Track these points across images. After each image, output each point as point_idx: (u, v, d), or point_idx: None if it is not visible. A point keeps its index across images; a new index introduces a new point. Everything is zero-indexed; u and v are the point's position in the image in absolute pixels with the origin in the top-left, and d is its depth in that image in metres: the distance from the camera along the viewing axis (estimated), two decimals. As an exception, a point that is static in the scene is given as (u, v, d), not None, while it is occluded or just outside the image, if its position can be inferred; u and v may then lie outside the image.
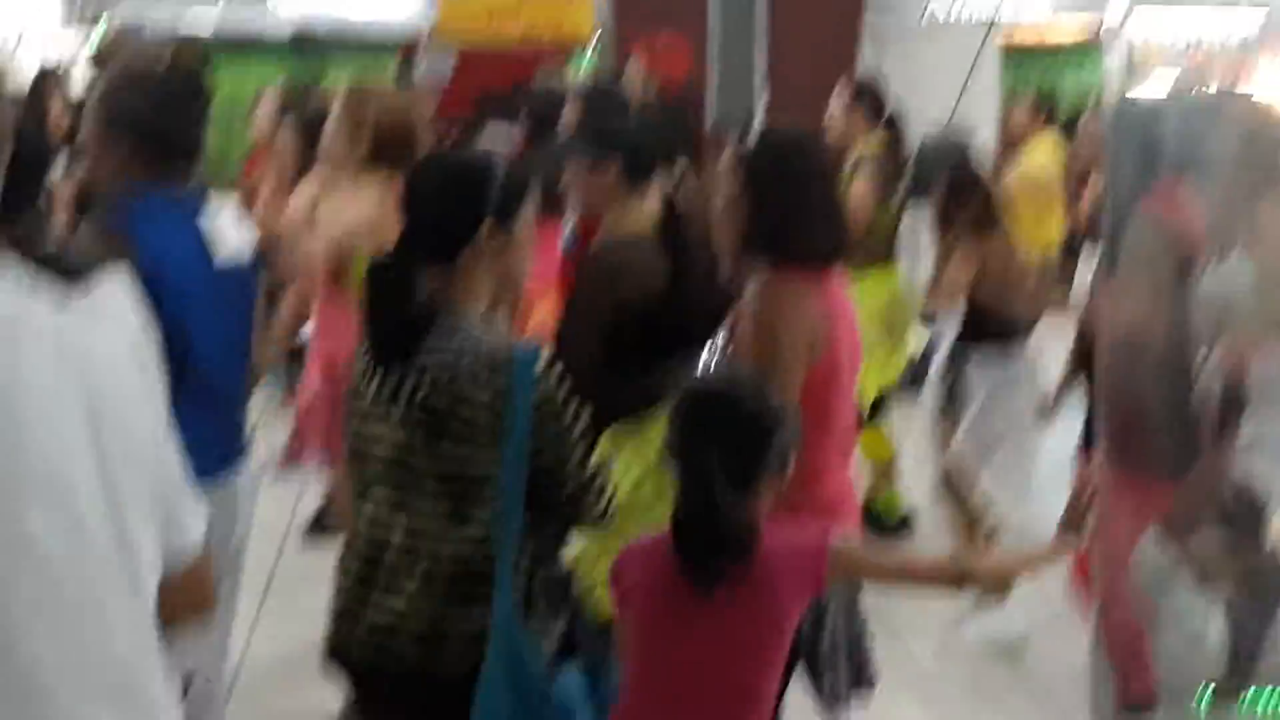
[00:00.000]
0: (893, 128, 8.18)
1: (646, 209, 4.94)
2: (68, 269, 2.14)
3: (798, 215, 4.31)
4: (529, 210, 3.76)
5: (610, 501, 3.66)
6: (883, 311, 8.00)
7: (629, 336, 4.65)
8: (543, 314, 8.20)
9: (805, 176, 4.37)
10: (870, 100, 8.14)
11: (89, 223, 4.34)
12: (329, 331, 5.91)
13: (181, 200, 4.43)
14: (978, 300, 6.95)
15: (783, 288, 4.28)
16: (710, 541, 3.38)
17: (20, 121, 2.35)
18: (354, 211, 5.72)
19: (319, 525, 8.18)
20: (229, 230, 4.54)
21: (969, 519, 7.05)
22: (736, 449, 3.40)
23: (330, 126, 5.80)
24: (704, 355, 4.45)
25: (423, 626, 3.55)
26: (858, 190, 7.82)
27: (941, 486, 7.23)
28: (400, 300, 3.60)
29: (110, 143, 4.39)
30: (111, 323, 2.18)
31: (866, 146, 8.03)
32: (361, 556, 3.66)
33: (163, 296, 4.12)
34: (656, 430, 4.55)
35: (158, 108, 4.37)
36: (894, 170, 8.04)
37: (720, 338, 4.44)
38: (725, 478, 3.36)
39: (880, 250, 8.03)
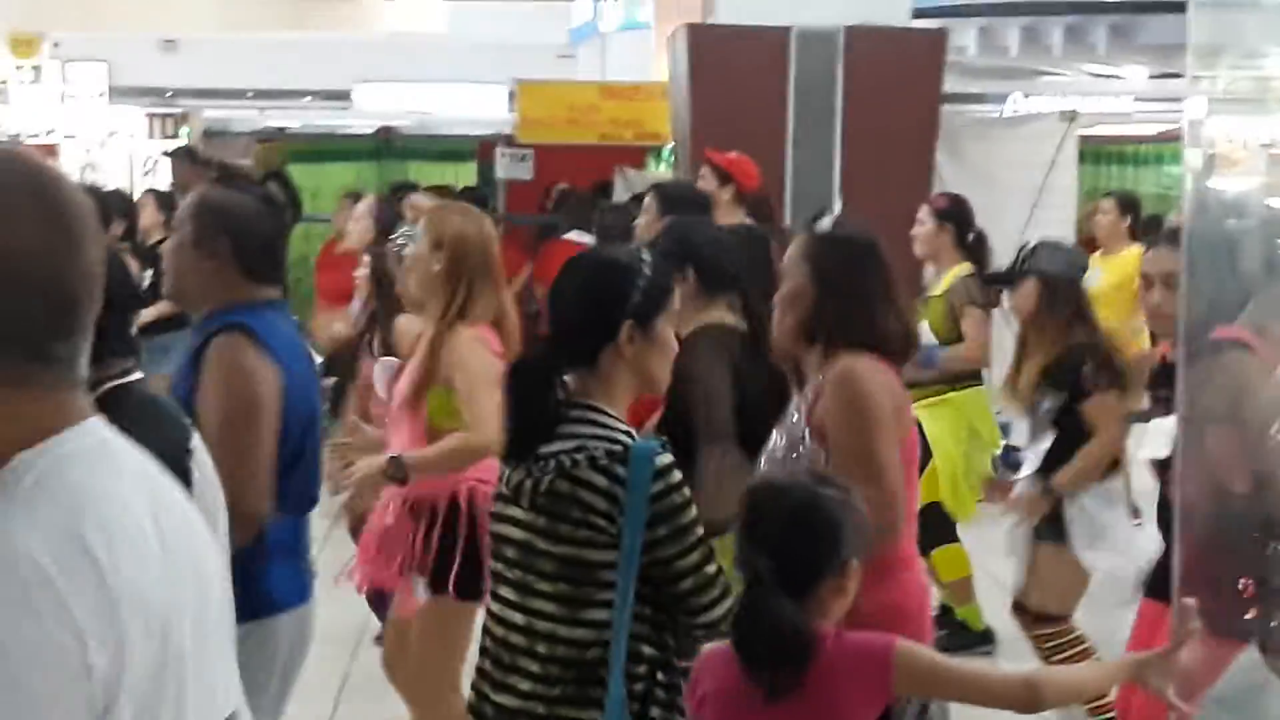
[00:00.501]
0: (979, 249, 8.10)
1: (720, 317, 5.13)
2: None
3: (865, 306, 4.31)
4: (671, 310, 3.78)
5: (729, 607, 3.62)
6: (973, 429, 7.96)
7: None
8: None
9: (876, 268, 4.37)
10: (957, 222, 8.09)
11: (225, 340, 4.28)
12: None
13: (279, 304, 4.45)
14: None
15: (866, 363, 4.27)
16: (764, 650, 3.33)
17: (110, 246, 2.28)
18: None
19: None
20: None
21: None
22: (789, 555, 3.33)
23: (418, 248, 5.68)
24: (768, 444, 4.39)
25: (542, 711, 3.59)
26: (972, 320, 7.76)
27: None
28: (538, 400, 3.65)
29: (204, 255, 4.39)
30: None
31: (954, 268, 7.98)
32: (494, 637, 3.71)
33: (293, 409, 4.24)
34: None
35: (252, 219, 4.39)
36: (984, 295, 7.96)
37: (789, 423, 4.37)
38: (779, 584, 3.30)
39: (969, 369, 7.97)
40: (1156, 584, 5.14)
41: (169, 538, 1.90)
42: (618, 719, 3.48)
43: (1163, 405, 5.74)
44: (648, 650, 3.56)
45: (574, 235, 11.77)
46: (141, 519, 1.87)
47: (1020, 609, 6.97)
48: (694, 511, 3.58)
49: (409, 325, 6.73)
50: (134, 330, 3.92)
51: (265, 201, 4.49)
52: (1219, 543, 4.63)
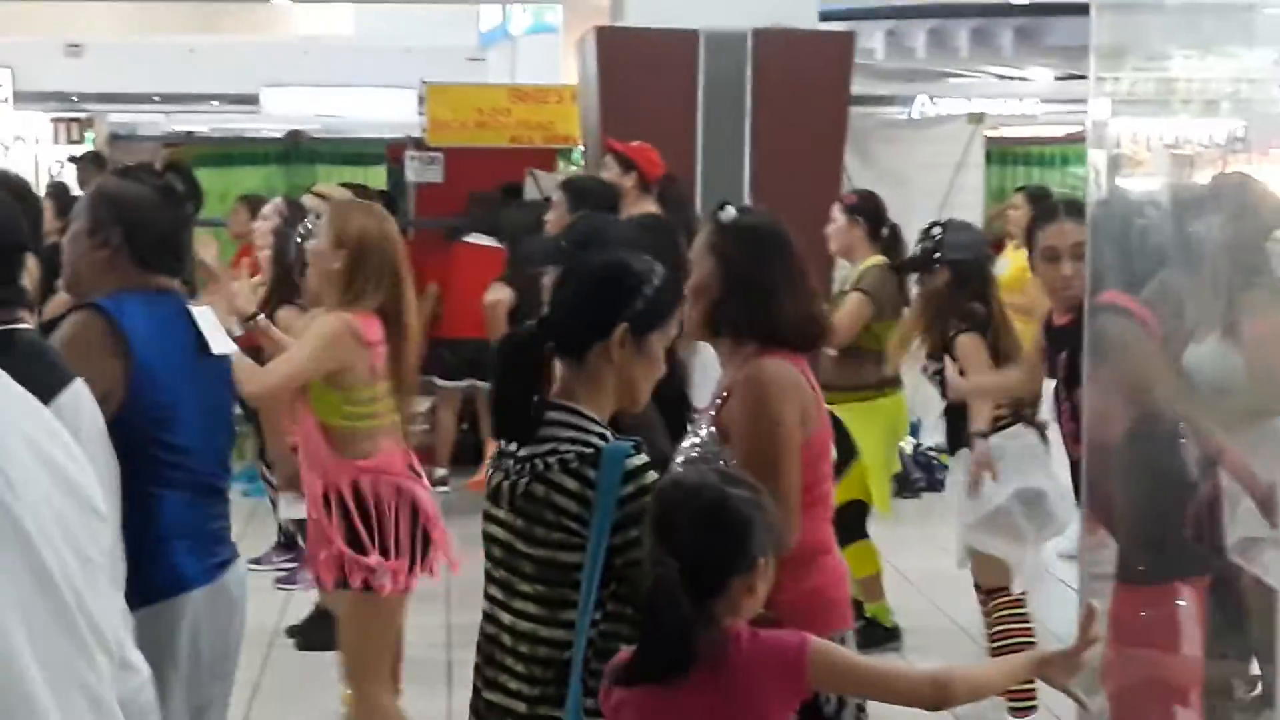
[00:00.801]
0: (893, 243, 8.22)
1: None
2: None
3: (770, 296, 4.32)
4: (669, 330, 3.81)
5: None
6: (893, 431, 8.08)
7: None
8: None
9: (784, 260, 4.38)
10: (869, 216, 8.19)
11: (75, 318, 4.36)
12: (306, 455, 5.81)
13: (167, 296, 4.49)
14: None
15: (774, 365, 4.28)
16: (673, 652, 3.34)
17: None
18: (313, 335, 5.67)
19: (305, 634, 8.15)
20: (213, 328, 4.60)
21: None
22: (698, 554, 3.31)
23: (318, 244, 5.75)
24: (685, 441, 4.41)
25: (524, 710, 3.64)
26: (849, 302, 7.87)
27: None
28: (522, 374, 3.70)
29: (97, 244, 4.45)
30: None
31: (869, 261, 8.07)
32: (486, 634, 3.76)
33: (152, 387, 4.28)
34: None
35: (147, 210, 4.44)
36: (896, 287, 8.07)
37: (702, 421, 4.39)
38: (684, 585, 3.30)
39: (891, 374, 8.05)
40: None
41: (54, 464, 2.00)
42: (574, 717, 3.50)
43: (1048, 366, 6.07)
44: (621, 647, 3.55)
45: (477, 238, 11.74)
46: (19, 442, 1.95)
47: (976, 587, 7.29)
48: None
49: (289, 319, 6.81)
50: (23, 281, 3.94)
51: (163, 192, 4.52)
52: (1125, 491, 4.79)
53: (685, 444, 4.39)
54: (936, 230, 7.31)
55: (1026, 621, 6.98)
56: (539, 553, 3.61)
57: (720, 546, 3.34)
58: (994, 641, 7.03)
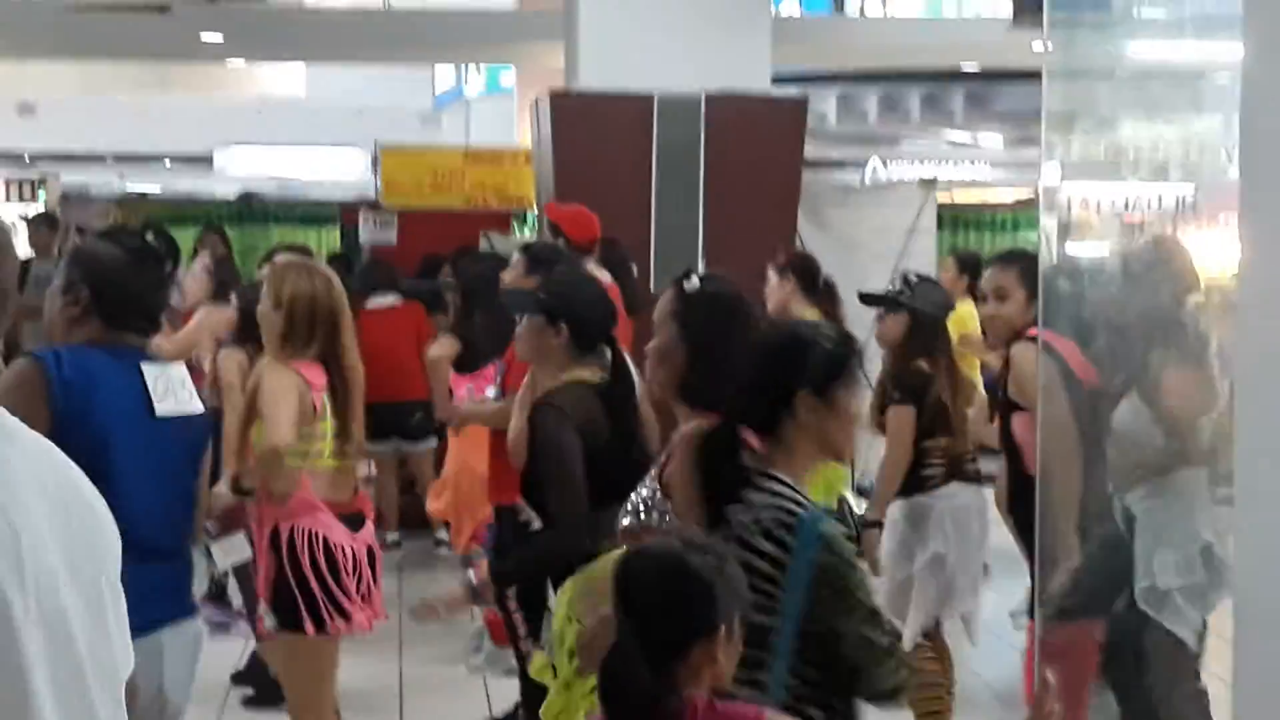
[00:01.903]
0: (829, 298, 8.27)
1: (584, 374, 5.32)
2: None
3: (732, 365, 4.32)
4: (852, 380, 3.90)
5: (905, 679, 3.73)
6: (827, 481, 8.10)
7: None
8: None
9: (743, 326, 4.45)
10: (802, 272, 8.25)
11: (14, 365, 4.51)
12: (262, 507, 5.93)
13: (120, 349, 4.58)
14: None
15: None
16: (625, 717, 3.33)
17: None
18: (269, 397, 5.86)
19: (257, 688, 8.12)
20: (177, 385, 4.67)
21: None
22: (655, 620, 3.29)
23: (262, 306, 6.00)
24: (632, 497, 4.46)
25: None
26: None
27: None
28: (724, 466, 3.80)
29: (69, 301, 4.61)
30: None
31: (805, 317, 8.10)
32: None
33: (78, 440, 4.24)
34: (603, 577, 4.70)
35: (115, 271, 4.62)
36: None
37: (649, 479, 4.44)
38: (643, 650, 3.30)
39: None
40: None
41: (64, 506, 2.16)
42: None
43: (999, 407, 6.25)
44: (814, 713, 3.62)
45: (378, 301, 11.50)
46: (29, 489, 2.10)
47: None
48: (861, 583, 3.69)
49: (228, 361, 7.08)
50: None
51: (136, 254, 4.71)
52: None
53: (632, 499, 4.43)
54: (914, 278, 7.41)
55: (938, 665, 7.08)
56: None
57: (678, 612, 3.34)
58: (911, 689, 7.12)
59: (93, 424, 4.39)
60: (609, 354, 5.40)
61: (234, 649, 8.48)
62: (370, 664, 8.33)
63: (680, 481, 4.33)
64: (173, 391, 4.63)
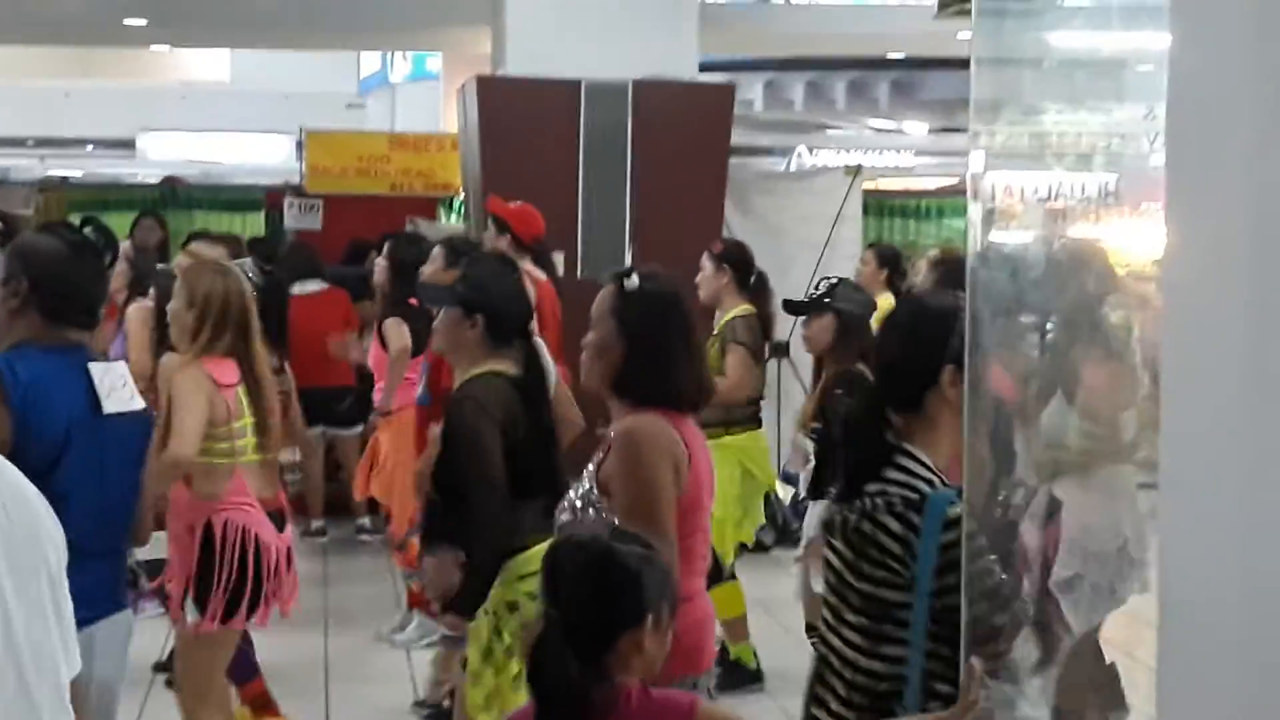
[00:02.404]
0: (760, 291, 8.30)
1: (499, 366, 5.39)
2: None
3: (668, 362, 4.45)
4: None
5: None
6: (746, 470, 8.13)
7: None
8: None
9: (681, 326, 4.54)
10: (736, 264, 8.27)
11: None
12: (179, 501, 6.01)
13: (66, 350, 4.58)
14: None
15: (647, 422, 4.40)
16: (560, 708, 3.34)
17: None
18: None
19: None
20: (119, 383, 4.69)
21: None
22: (583, 609, 3.32)
23: (174, 304, 6.08)
24: (569, 494, 4.49)
25: None
26: (735, 359, 7.94)
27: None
28: (869, 443, 3.84)
29: (8, 294, 4.59)
30: None
31: (735, 310, 8.14)
32: (819, 653, 3.93)
33: (32, 440, 4.36)
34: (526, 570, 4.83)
35: (56, 263, 4.60)
36: (762, 334, 8.18)
37: (585, 476, 4.47)
38: (571, 639, 3.31)
39: (747, 412, 8.17)
40: None
41: (2, 506, 2.26)
42: None
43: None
44: (944, 689, 3.65)
45: (302, 286, 11.41)
46: None
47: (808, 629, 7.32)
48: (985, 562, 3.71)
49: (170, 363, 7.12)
50: None
51: (77, 247, 4.66)
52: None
53: (568, 496, 4.46)
54: (833, 279, 7.49)
55: None
56: (864, 587, 3.74)
57: (605, 601, 3.34)
58: None
59: (48, 428, 4.43)
60: (524, 347, 5.48)
61: (154, 634, 8.45)
62: (295, 644, 8.39)
63: (617, 475, 4.36)
64: (116, 389, 4.65)
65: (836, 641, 3.81)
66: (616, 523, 4.17)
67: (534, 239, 8.29)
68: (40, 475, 4.30)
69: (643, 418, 4.40)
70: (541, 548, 5.04)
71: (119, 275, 8.99)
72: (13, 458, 4.14)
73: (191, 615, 5.80)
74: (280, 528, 6.02)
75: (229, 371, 5.89)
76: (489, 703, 5.13)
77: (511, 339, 5.47)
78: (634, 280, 4.53)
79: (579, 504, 4.41)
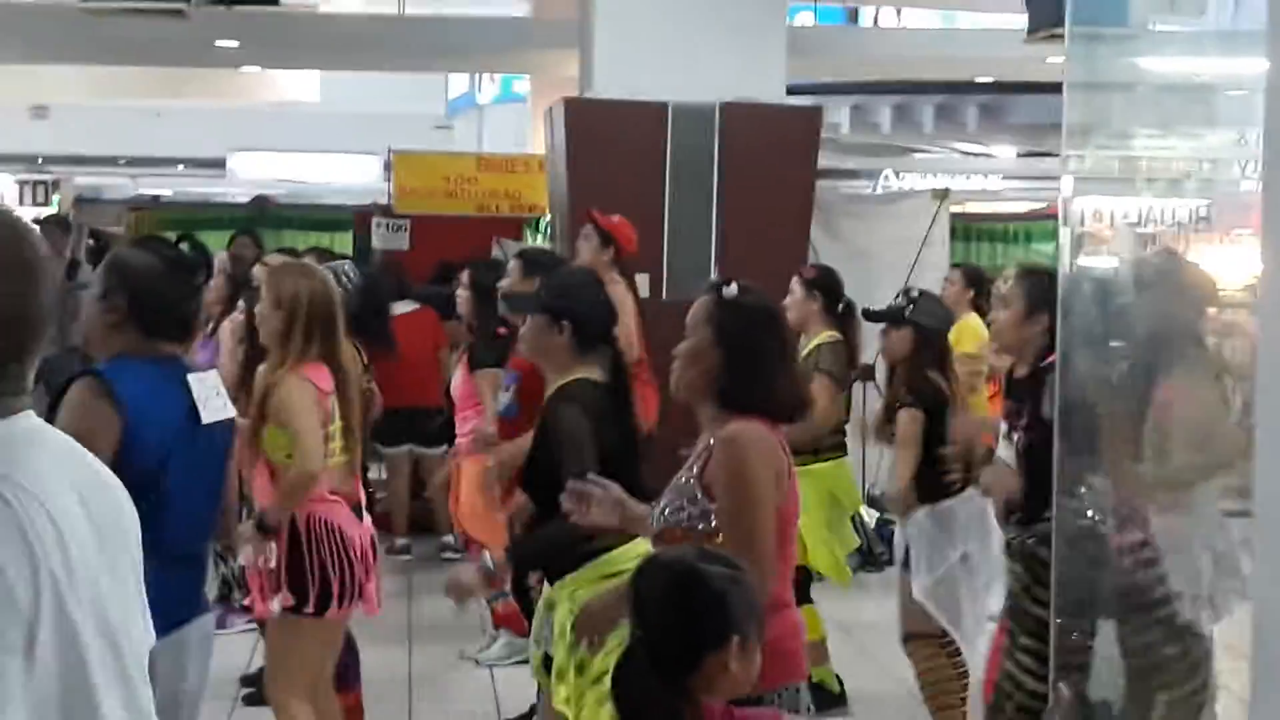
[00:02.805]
0: (847, 318, 8.27)
1: (588, 374, 5.46)
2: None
3: (767, 371, 4.45)
4: None
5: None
6: (834, 497, 8.13)
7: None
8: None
9: (778, 339, 4.56)
10: (826, 290, 8.25)
11: (78, 384, 4.59)
12: (256, 492, 6.15)
13: (165, 362, 4.70)
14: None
15: (751, 429, 4.38)
16: None
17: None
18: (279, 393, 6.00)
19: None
20: (213, 392, 4.80)
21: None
22: (666, 629, 3.33)
23: (261, 308, 6.16)
24: (672, 499, 4.48)
25: None
26: (820, 387, 7.95)
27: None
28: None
29: (106, 309, 4.69)
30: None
31: (821, 336, 8.13)
32: (1002, 670, 4.05)
33: (139, 454, 4.44)
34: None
35: (153, 280, 4.71)
36: (848, 361, 8.16)
37: (685, 480, 4.45)
38: (654, 659, 3.30)
39: (834, 440, 8.17)
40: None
41: (92, 504, 2.34)
42: None
43: (1014, 415, 6.27)
44: None
45: (401, 306, 11.51)
46: (61, 483, 2.31)
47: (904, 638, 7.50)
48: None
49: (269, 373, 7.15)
50: None
51: (172, 263, 4.79)
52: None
53: (660, 503, 4.46)
54: (914, 292, 7.53)
55: (959, 663, 7.21)
56: (1036, 611, 3.75)
57: (689, 621, 3.34)
58: (927, 686, 7.27)
59: (153, 438, 4.53)
60: (609, 354, 5.54)
61: (242, 647, 8.52)
62: (380, 656, 8.42)
63: (720, 481, 4.35)
64: (210, 398, 4.76)
65: (1009, 665, 3.81)
66: (714, 525, 4.17)
67: (631, 255, 8.38)
68: (144, 484, 4.44)
69: (746, 425, 4.37)
70: (626, 549, 5.16)
71: (215, 289, 9.09)
72: (118, 467, 4.29)
73: (277, 604, 5.88)
74: (360, 518, 6.12)
75: (325, 378, 5.98)
76: (573, 701, 5.19)
77: (596, 345, 5.53)
78: (733, 289, 4.53)
79: (684, 504, 4.39)
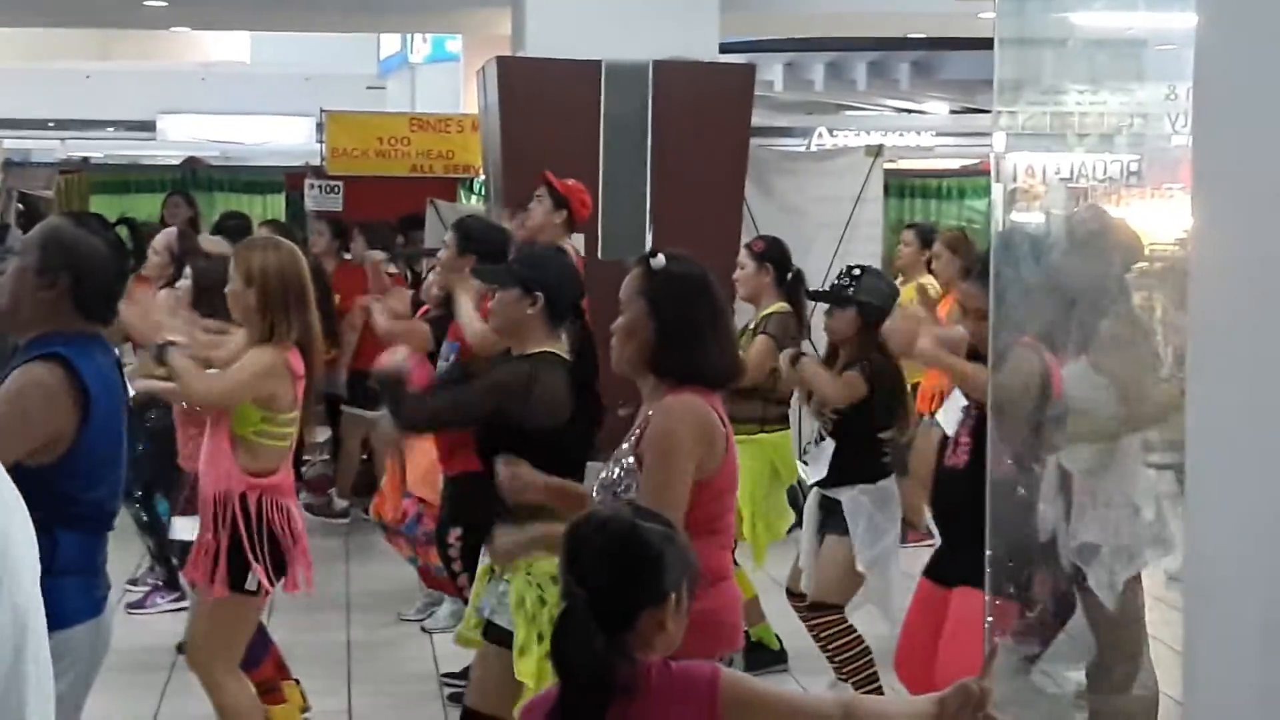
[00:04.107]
0: (795, 288, 8.28)
1: (557, 348, 5.55)
2: None
3: (700, 340, 4.47)
4: None
5: None
6: (774, 469, 8.16)
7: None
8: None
9: (709, 306, 4.55)
10: (776, 264, 8.26)
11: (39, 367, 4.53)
12: (208, 462, 6.12)
13: (94, 339, 4.67)
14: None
15: (688, 401, 4.41)
16: (584, 685, 3.34)
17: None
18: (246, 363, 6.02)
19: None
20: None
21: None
22: (606, 586, 3.32)
23: (232, 285, 6.12)
24: (602, 474, 4.52)
25: None
26: (757, 345, 7.96)
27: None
28: None
29: (44, 284, 4.60)
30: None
31: (774, 308, 8.14)
32: None
33: (97, 437, 4.51)
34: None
35: (96, 261, 4.64)
36: (797, 332, 8.16)
37: (624, 450, 4.48)
38: (594, 616, 3.31)
39: (780, 411, 8.20)
40: (933, 566, 6.02)
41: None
42: None
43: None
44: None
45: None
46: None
47: (793, 595, 7.63)
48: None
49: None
50: None
51: (115, 247, 4.75)
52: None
53: (603, 475, 4.49)
54: (857, 270, 7.51)
55: (861, 639, 7.30)
56: None
57: (628, 578, 3.35)
58: (842, 657, 7.31)
59: (105, 421, 4.53)
60: (579, 325, 5.60)
61: (170, 622, 8.50)
62: (318, 626, 8.47)
63: (647, 449, 4.38)
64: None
65: None
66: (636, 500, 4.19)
67: (582, 219, 8.39)
68: (109, 461, 4.56)
69: (683, 397, 4.41)
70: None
71: (157, 267, 8.99)
72: (75, 451, 4.39)
73: (220, 585, 5.90)
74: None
75: (299, 361, 6.00)
76: (539, 671, 5.23)
77: (566, 317, 5.59)
78: (660, 260, 4.54)
79: (620, 473, 4.43)
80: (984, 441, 5.63)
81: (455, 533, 6.76)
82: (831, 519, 7.32)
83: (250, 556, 5.88)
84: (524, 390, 5.43)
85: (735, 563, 8.10)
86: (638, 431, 4.46)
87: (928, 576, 6.09)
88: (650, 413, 4.46)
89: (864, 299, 7.25)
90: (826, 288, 7.92)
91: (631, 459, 4.43)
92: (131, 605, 8.88)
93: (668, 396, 4.41)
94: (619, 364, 4.54)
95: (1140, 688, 5.69)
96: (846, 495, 7.26)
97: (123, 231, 4.89)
